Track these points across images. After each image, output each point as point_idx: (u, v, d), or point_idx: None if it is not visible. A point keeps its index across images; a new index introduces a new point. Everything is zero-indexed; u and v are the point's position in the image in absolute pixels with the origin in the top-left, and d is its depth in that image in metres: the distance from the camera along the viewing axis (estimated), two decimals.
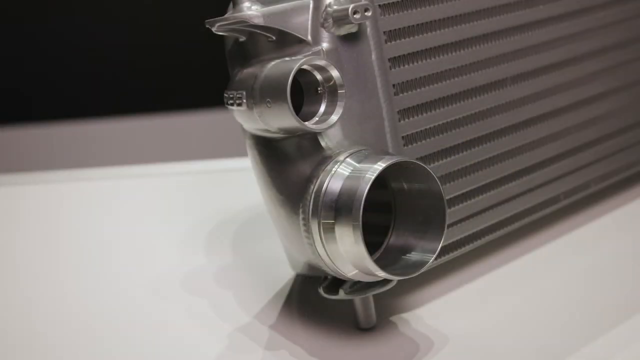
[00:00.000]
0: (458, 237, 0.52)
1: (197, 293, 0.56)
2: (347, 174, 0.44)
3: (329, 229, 0.44)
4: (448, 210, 0.49)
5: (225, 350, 0.49)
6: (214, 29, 0.46)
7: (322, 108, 0.45)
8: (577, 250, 0.57)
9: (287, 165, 0.46)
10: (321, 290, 0.49)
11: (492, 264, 0.55)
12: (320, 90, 0.45)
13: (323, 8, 0.46)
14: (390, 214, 0.47)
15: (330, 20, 0.46)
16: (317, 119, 0.45)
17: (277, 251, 0.55)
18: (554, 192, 0.57)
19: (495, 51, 0.52)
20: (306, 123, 0.43)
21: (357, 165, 0.44)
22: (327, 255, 0.44)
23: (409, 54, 0.48)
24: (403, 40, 0.48)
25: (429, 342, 0.48)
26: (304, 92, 0.46)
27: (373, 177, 0.42)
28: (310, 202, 0.45)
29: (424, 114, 0.49)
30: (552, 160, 0.56)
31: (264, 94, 0.44)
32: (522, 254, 0.56)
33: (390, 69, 0.48)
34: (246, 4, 0.45)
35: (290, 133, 0.45)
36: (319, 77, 0.45)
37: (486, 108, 0.52)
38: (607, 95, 0.59)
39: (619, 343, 0.46)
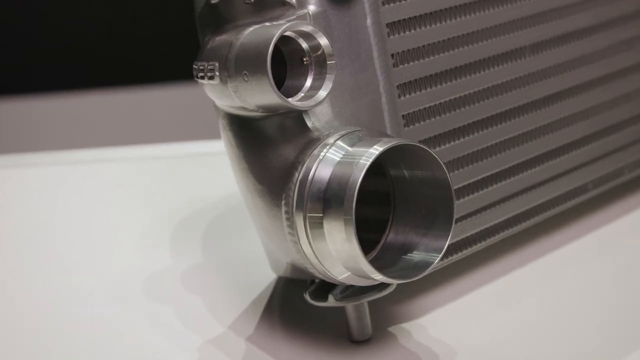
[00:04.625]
0: (468, 234, 0.52)
1: (161, 298, 0.56)
2: (338, 159, 0.44)
3: (316, 224, 0.44)
4: (456, 202, 0.49)
5: None
6: None
7: (309, 82, 0.45)
8: (608, 250, 0.57)
9: (267, 149, 0.46)
10: (307, 296, 0.49)
11: (507, 265, 0.56)
12: (306, 60, 0.45)
13: None
14: (388, 206, 0.47)
15: None
16: (302, 94, 0.45)
17: (256, 250, 0.55)
18: (580, 180, 0.57)
19: (512, 15, 0.52)
20: (289, 99, 0.44)
21: (349, 149, 0.44)
22: (314, 254, 0.45)
23: (410, 18, 0.48)
24: (403, 2, 0.48)
25: (433, 357, 0.48)
26: (287, 63, 0.46)
27: (368, 163, 0.42)
28: (294, 192, 0.45)
29: (428, 89, 0.49)
30: (578, 143, 0.57)
31: (240, 66, 0.44)
32: (542, 253, 0.57)
33: (389, 35, 0.48)
34: None
35: (271, 111, 0.46)
36: (304, 45, 0.45)
37: (501, 82, 0.52)
38: None
39: None
